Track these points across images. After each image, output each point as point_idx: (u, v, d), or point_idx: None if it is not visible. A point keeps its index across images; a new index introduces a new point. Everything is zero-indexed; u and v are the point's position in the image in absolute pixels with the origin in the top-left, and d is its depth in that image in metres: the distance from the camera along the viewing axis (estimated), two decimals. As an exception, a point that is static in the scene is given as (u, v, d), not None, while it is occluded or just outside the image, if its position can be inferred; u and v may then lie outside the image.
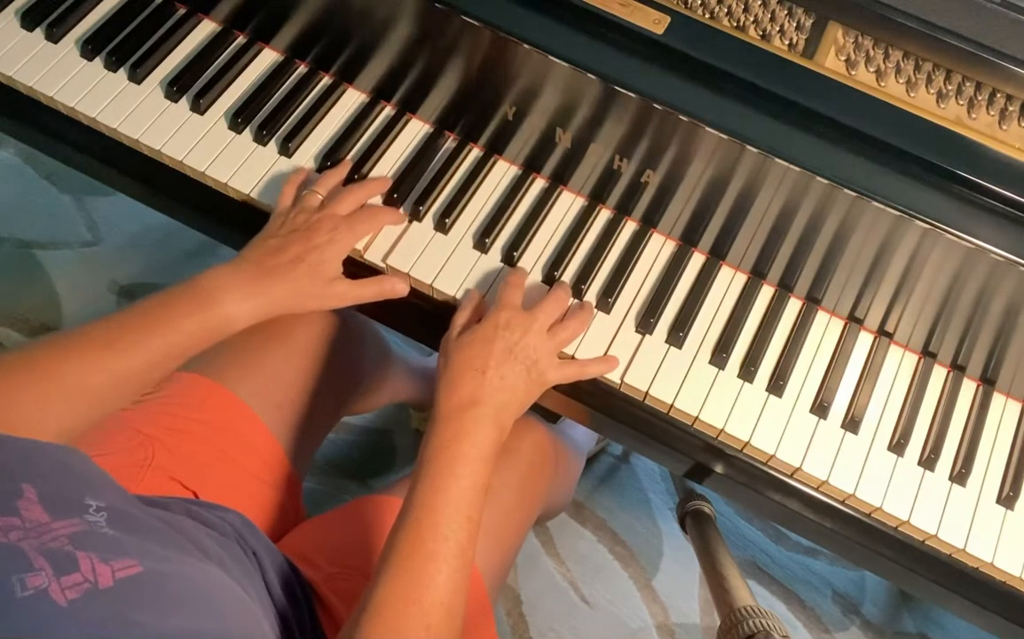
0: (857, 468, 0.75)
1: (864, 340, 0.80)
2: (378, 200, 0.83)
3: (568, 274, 0.81)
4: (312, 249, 0.74)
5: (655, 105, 0.72)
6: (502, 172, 0.86)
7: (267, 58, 0.90)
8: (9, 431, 0.58)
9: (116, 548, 0.46)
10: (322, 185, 0.79)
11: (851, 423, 0.76)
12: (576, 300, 0.79)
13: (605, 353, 0.77)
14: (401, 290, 0.78)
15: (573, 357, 0.76)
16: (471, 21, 0.75)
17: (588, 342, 0.77)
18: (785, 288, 0.81)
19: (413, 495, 0.64)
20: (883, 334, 0.80)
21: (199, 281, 0.70)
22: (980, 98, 0.72)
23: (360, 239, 0.79)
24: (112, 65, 0.87)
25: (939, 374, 0.80)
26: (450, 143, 0.86)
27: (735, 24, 0.75)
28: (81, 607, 0.41)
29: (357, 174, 0.83)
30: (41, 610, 0.40)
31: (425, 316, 0.81)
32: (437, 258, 0.80)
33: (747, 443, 0.75)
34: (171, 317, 0.68)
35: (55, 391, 0.62)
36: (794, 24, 0.74)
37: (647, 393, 0.76)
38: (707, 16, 0.75)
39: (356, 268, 0.80)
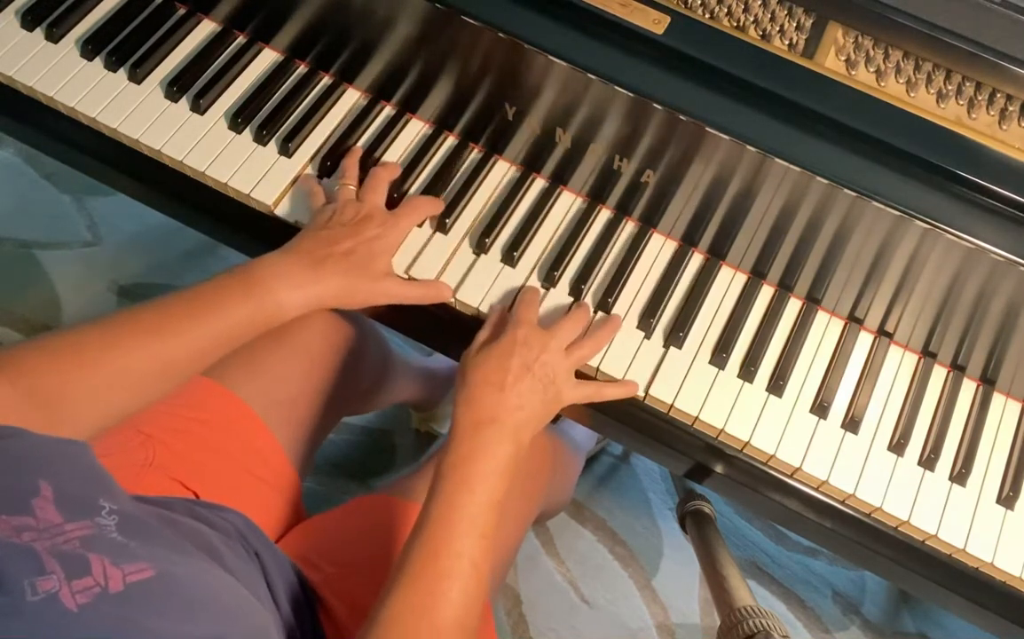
0: (857, 468, 0.75)
1: (864, 340, 0.80)
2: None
3: (568, 274, 0.81)
4: (363, 243, 0.75)
5: (655, 105, 0.72)
6: (502, 172, 0.86)
7: (267, 58, 0.90)
8: (53, 416, 0.58)
9: (127, 551, 0.46)
10: (349, 176, 0.81)
11: (851, 423, 0.76)
12: (602, 314, 0.79)
13: (605, 353, 0.77)
14: (446, 295, 0.79)
15: (597, 370, 0.76)
16: (471, 21, 0.75)
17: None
18: (785, 288, 0.81)
19: (428, 509, 0.64)
20: (883, 334, 0.80)
21: (251, 269, 0.71)
22: (980, 98, 0.72)
23: (407, 232, 0.80)
24: (112, 65, 0.87)
25: (939, 374, 0.80)
26: (450, 143, 0.86)
27: (735, 24, 0.75)
28: (91, 611, 0.41)
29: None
30: (51, 615, 0.39)
31: (425, 317, 0.81)
32: (437, 259, 0.80)
33: (747, 443, 0.75)
34: (222, 304, 0.68)
35: (101, 376, 0.62)
36: (794, 24, 0.74)
37: (647, 393, 0.76)
38: (707, 16, 0.75)
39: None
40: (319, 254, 0.73)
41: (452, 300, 0.79)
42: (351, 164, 0.82)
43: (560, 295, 0.80)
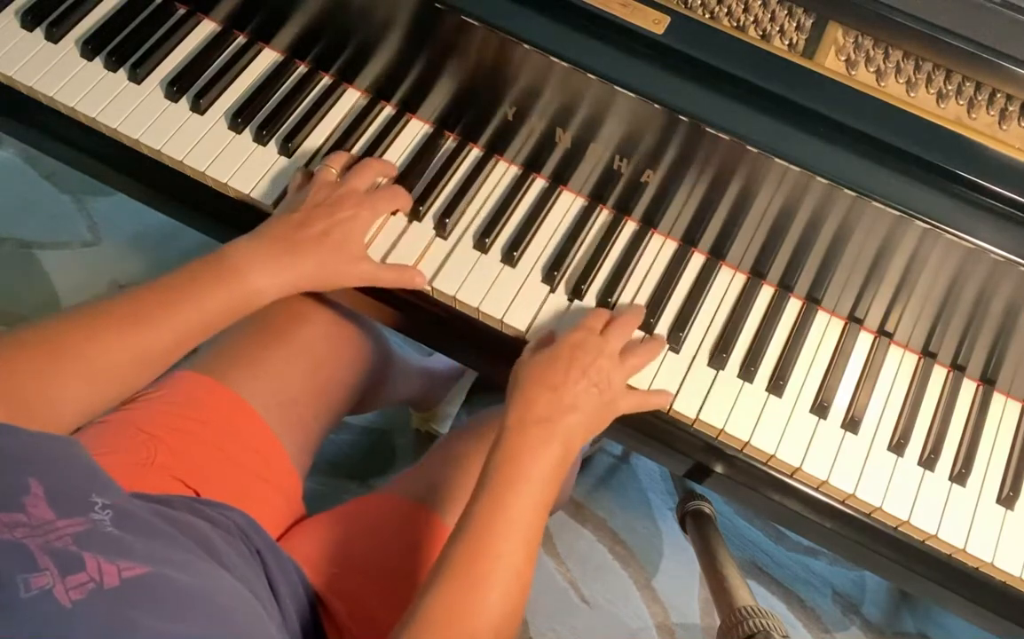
0: (857, 468, 0.75)
1: (864, 340, 0.80)
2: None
3: (568, 275, 0.81)
4: (337, 224, 0.74)
5: (655, 105, 0.72)
6: (502, 172, 0.86)
7: (267, 58, 0.90)
8: (31, 410, 0.57)
9: (121, 548, 0.46)
10: (335, 161, 0.80)
11: (851, 423, 0.76)
12: (646, 333, 0.78)
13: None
14: (419, 283, 0.78)
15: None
16: (471, 21, 0.75)
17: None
18: (785, 288, 0.81)
19: (471, 508, 0.62)
20: (883, 334, 0.80)
21: (223, 255, 0.70)
22: (980, 98, 0.72)
23: (382, 215, 0.79)
24: (112, 65, 0.87)
25: (939, 374, 0.80)
26: (450, 143, 0.86)
27: (735, 24, 0.75)
28: (86, 608, 0.41)
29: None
30: (45, 611, 0.39)
31: (424, 316, 0.81)
32: (436, 258, 0.80)
33: (747, 443, 0.75)
34: (196, 292, 0.68)
35: (77, 368, 0.62)
36: (794, 24, 0.74)
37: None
38: (707, 16, 0.75)
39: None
40: (294, 238, 0.72)
41: (453, 300, 0.79)
42: (341, 153, 0.81)
43: (560, 295, 0.80)
